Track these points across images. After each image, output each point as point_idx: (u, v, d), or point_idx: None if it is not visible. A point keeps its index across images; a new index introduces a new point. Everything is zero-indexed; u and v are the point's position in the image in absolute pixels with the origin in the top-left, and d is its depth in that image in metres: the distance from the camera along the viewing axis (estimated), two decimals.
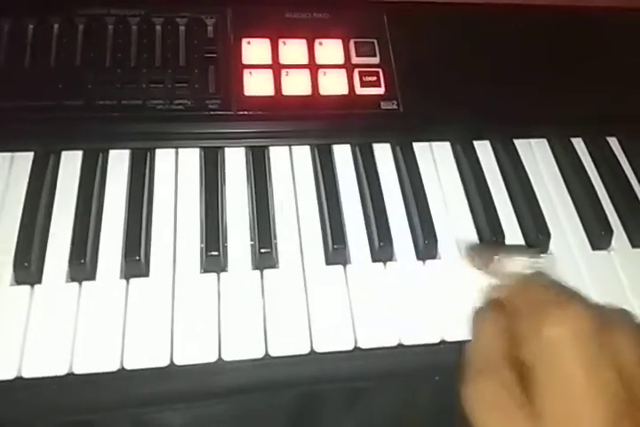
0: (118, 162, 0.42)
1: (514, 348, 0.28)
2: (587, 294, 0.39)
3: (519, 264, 0.33)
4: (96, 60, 0.44)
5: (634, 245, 0.43)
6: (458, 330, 0.37)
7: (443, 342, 0.37)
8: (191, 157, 0.43)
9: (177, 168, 0.43)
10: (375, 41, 0.48)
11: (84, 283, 0.37)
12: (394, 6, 0.49)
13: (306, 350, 0.36)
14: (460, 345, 0.37)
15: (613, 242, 0.43)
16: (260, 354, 0.35)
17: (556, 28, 0.49)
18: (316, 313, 0.37)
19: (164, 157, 0.43)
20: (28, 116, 0.41)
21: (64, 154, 0.42)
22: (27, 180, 0.40)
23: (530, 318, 0.28)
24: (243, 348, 0.35)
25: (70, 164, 0.42)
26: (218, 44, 0.46)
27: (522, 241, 0.42)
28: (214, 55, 0.45)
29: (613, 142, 0.48)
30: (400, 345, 0.37)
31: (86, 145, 0.42)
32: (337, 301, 0.38)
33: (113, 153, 0.43)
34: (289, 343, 0.36)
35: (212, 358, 0.35)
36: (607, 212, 0.43)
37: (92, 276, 0.37)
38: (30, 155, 0.42)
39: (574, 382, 0.26)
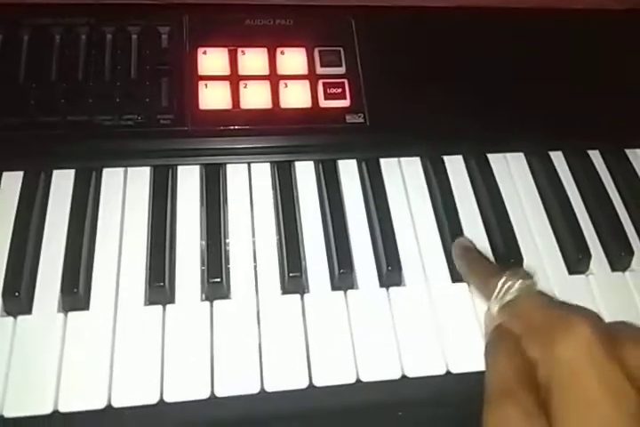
0: (62, 183, 0.40)
1: (531, 372, 0.27)
2: None
3: (514, 289, 0.30)
4: (40, 74, 0.41)
5: (614, 269, 0.40)
6: (421, 364, 0.35)
7: (404, 378, 0.35)
8: (141, 177, 0.41)
9: (125, 189, 0.40)
10: (341, 49, 0.45)
11: (19, 317, 0.35)
12: (362, 11, 0.46)
13: (255, 390, 0.33)
14: (422, 380, 0.35)
15: (592, 265, 0.40)
16: (205, 395, 0.33)
17: (534, 34, 0.46)
18: (268, 348, 0.35)
19: (111, 177, 0.40)
20: None
21: (4, 175, 0.40)
22: None
23: (540, 340, 0.27)
24: (187, 388, 0.33)
25: (10, 185, 0.39)
26: (172, 55, 0.43)
27: None
28: (168, 66, 0.43)
29: (595, 156, 0.45)
30: (358, 381, 0.34)
31: (27, 165, 0.40)
32: (293, 334, 0.35)
33: (56, 173, 0.40)
34: (237, 382, 0.33)
35: (154, 400, 0.32)
36: (586, 233, 0.41)
37: (27, 310, 0.35)
38: None
39: (595, 404, 0.24)
